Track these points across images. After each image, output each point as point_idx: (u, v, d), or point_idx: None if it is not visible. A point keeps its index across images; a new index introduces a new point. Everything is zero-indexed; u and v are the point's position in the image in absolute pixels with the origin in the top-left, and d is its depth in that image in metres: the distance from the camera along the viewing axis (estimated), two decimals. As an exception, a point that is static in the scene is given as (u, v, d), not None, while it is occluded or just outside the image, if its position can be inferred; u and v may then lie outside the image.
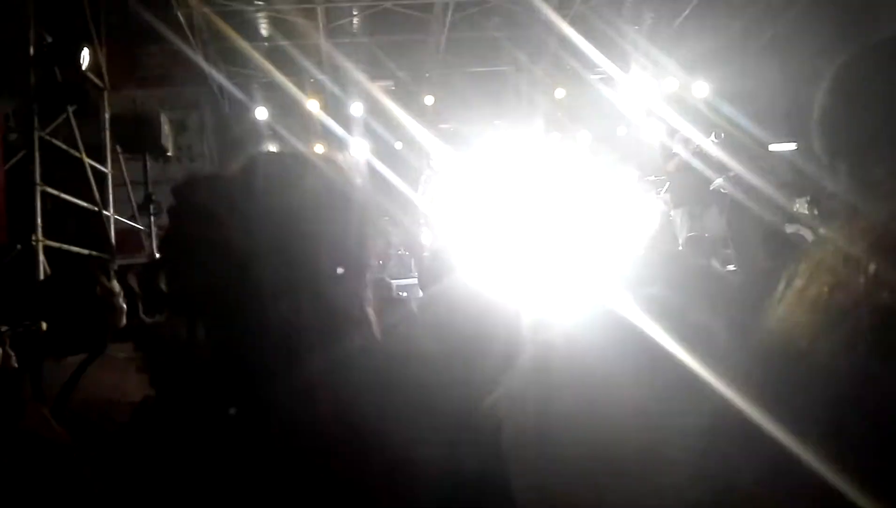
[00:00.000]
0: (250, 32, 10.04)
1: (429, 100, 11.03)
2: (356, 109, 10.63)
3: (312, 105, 10.55)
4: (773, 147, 8.97)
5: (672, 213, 7.14)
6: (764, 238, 4.39)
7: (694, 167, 6.83)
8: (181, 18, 8.95)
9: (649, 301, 0.81)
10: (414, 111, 11.50)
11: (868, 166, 1.03)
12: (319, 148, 10.05)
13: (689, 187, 6.86)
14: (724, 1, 10.21)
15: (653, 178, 8.81)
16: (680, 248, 6.23)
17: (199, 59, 9.70)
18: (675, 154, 7.09)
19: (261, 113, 10.60)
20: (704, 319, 0.76)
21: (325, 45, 10.53)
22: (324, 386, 0.90)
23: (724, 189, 6.82)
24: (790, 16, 9.94)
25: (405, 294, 4.91)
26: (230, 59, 10.34)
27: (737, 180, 7.10)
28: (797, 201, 8.97)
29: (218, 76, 10.28)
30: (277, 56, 10.03)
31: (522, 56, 10.52)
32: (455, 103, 11.39)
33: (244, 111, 10.65)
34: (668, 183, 7.59)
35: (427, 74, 11.10)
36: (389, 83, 11.07)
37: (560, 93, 10.74)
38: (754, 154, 7.53)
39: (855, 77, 1.09)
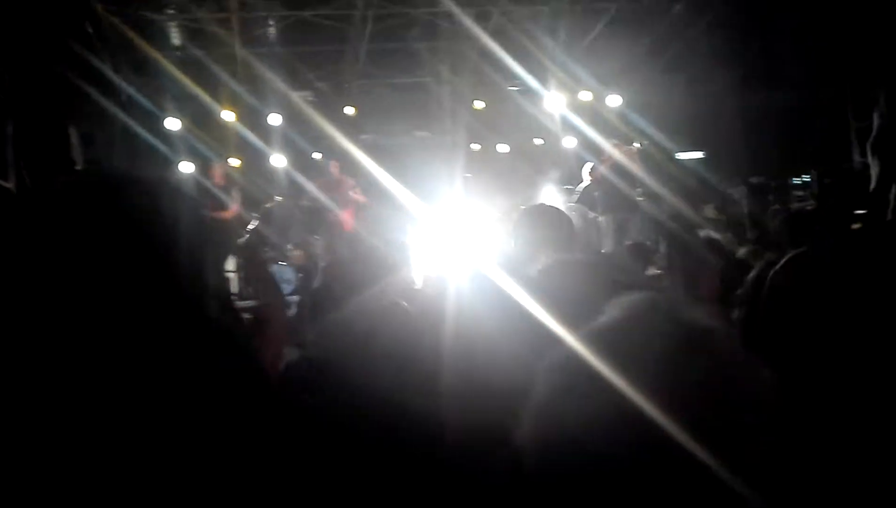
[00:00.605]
0: (162, 42, 9.73)
1: (349, 110, 10.99)
2: (274, 119, 10.47)
3: (227, 116, 10.31)
4: (680, 156, 9.44)
5: (600, 219, 7.35)
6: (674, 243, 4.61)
7: (621, 175, 7.06)
8: (88, 28, 8.57)
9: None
10: (334, 122, 11.45)
11: None
12: (234, 161, 9.87)
13: (616, 195, 7.07)
14: (632, 19, 10.69)
15: (569, 187, 9.11)
16: (602, 253, 6.42)
17: (107, 70, 9.31)
18: (601, 162, 7.28)
19: (172, 124, 10.26)
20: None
21: (240, 54, 10.34)
22: None
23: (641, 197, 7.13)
24: (691, 34, 10.52)
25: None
26: (141, 69, 9.98)
27: (649, 189, 7.44)
28: (704, 207, 9.52)
29: (127, 87, 9.89)
30: (191, 66, 9.76)
31: (443, 68, 10.64)
32: (376, 114, 11.42)
33: (155, 123, 10.29)
34: (582, 191, 7.81)
35: (346, 85, 11.07)
36: (308, 94, 10.96)
37: (479, 104, 10.94)
38: (663, 165, 7.89)
39: None
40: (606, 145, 7.34)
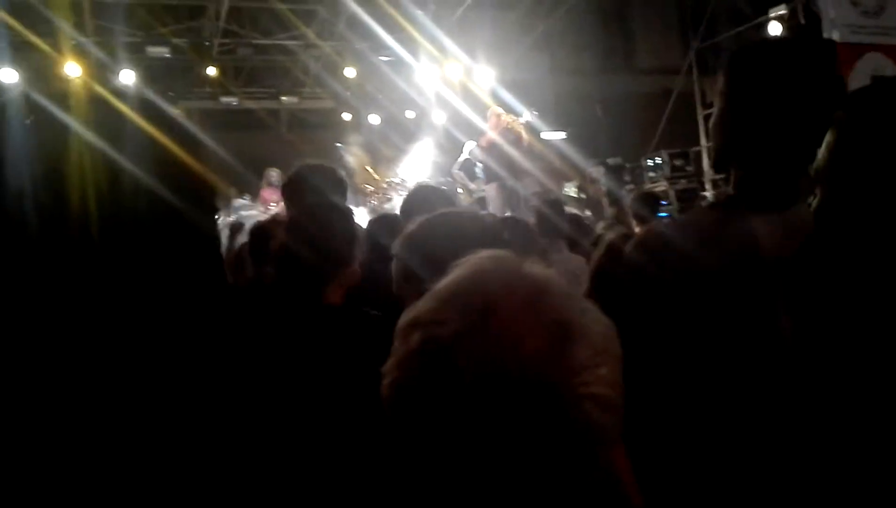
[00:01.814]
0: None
1: (211, 71, 10.38)
2: (126, 76, 9.70)
3: (72, 68, 9.41)
4: (545, 135, 9.71)
5: (485, 188, 7.38)
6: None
7: (504, 143, 7.11)
8: None
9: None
10: (194, 82, 10.79)
11: None
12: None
13: (504, 165, 7.09)
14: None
15: (438, 161, 9.15)
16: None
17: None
18: (492, 128, 7.26)
19: (8, 75, 9.24)
20: None
21: (86, 4, 9.45)
22: None
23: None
24: (558, 14, 10.83)
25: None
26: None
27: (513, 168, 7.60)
28: (566, 185, 9.92)
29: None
30: (29, 14, 8.80)
31: (310, 32, 10.28)
32: (240, 76, 10.88)
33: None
34: (462, 163, 7.84)
35: (207, 44, 10.43)
36: (165, 49, 10.22)
37: (350, 72, 10.70)
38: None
39: None
40: (494, 114, 7.34)
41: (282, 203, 3.62)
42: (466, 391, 0.63)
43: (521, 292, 0.69)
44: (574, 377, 0.65)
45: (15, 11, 8.55)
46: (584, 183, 9.43)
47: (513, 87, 9.47)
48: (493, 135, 7.18)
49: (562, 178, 9.59)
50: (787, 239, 1.14)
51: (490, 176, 7.22)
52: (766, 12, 9.32)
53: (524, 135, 7.32)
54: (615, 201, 7.49)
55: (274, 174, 7.80)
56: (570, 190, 9.50)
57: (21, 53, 9.04)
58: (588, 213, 7.71)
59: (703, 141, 10.54)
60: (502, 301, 0.67)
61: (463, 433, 0.64)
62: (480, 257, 0.74)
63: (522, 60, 11.12)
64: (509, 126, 7.22)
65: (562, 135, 9.80)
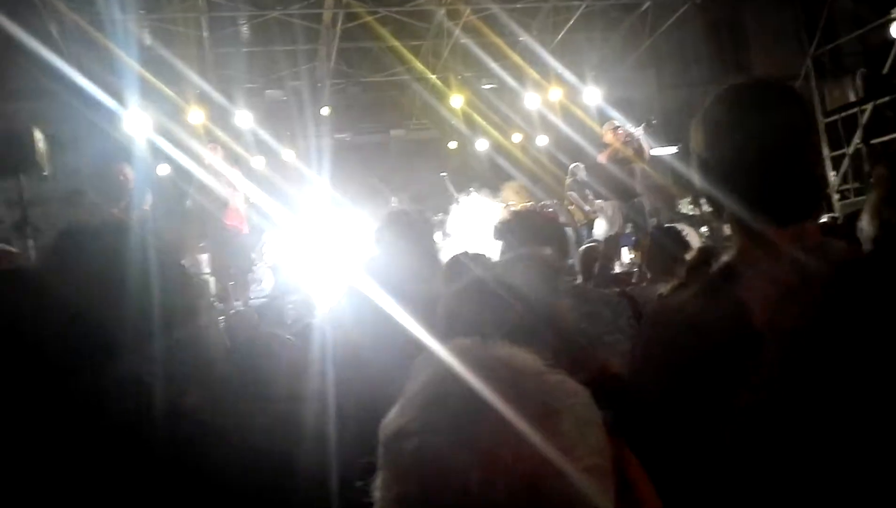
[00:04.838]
0: (129, 41, 9.52)
1: (325, 111, 10.88)
2: (243, 118, 10.30)
3: (196, 115, 10.13)
4: (655, 151, 9.47)
5: (602, 204, 7.25)
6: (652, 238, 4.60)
7: (624, 159, 6.96)
8: (51, 28, 8.37)
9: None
10: (308, 122, 11.34)
11: None
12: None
13: (622, 178, 6.93)
14: (601, 15, 10.73)
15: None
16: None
17: (73, 71, 9.10)
18: (609, 144, 7.12)
19: (140, 124, 10.03)
20: None
21: (209, 54, 10.17)
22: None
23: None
24: (663, 28, 10.58)
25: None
26: (107, 69, 9.76)
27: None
28: (679, 202, 9.59)
29: (93, 87, 9.67)
30: (158, 65, 9.58)
31: (419, 65, 10.58)
32: (352, 113, 11.34)
33: (121, 123, 10.07)
34: (571, 183, 7.70)
35: (319, 85, 10.95)
36: (281, 92, 10.83)
37: (457, 101, 10.88)
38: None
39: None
40: (610, 128, 7.21)
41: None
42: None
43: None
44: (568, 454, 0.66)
45: (146, 63, 9.34)
46: (698, 199, 9.07)
47: (619, 105, 9.32)
48: (610, 149, 7.05)
49: (674, 194, 9.30)
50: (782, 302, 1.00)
51: (609, 192, 7.07)
52: (887, 13, 8.78)
53: (644, 147, 7.16)
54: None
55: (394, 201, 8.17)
56: (685, 207, 9.17)
57: (150, 101, 9.82)
58: (704, 229, 7.41)
59: (825, 150, 9.92)
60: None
61: None
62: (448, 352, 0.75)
63: (628, 78, 10.94)
64: (628, 139, 7.08)
65: (673, 150, 9.50)
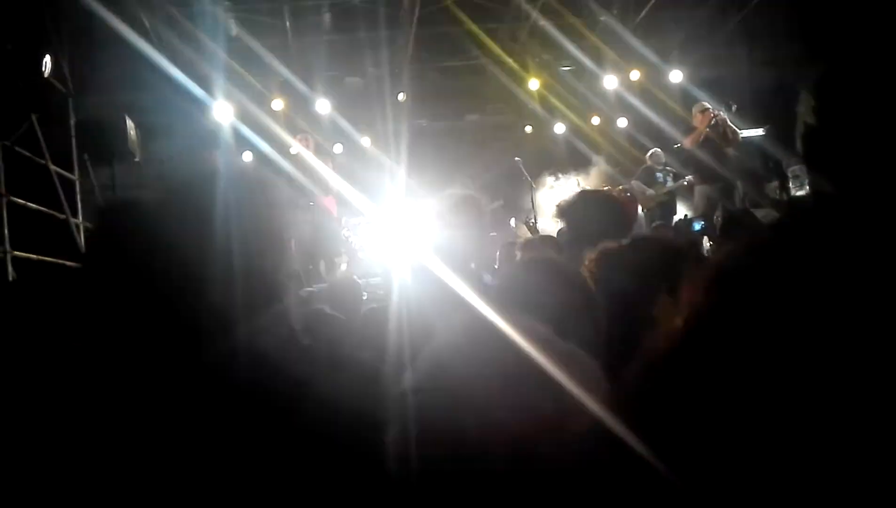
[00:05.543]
0: (217, 31, 9.87)
1: (401, 97, 10.96)
2: (322, 105, 10.50)
3: (276, 104, 10.43)
4: (744, 133, 9.07)
5: (696, 188, 7.10)
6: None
7: (713, 140, 6.79)
8: (144, 20, 8.78)
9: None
10: (386, 108, 11.46)
11: None
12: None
13: (712, 161, 6.77)
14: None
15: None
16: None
17: (164, 61, 9.51)
18: (693, 127, 6.96)
19: (224, 113, 10.38)
20: None
21: (292, 43, 10.41)
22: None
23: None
24: (754, 2, 10.05)
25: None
26: (196, 59, 10.17)
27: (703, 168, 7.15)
28: (767, 185, 9.12)
29: (183, 77, 10.08)
30: (243, 55, 9.90)
31: (496, 49, 10.49)
32: (428, 99, 11.36)
33: (208, 112, 10.46)
34: (642, 171, 7.53)
35: (397, 70, 11.03)
36: (359, 80, 10.98)
37: (534, 84, 10.72)
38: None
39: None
40: (700, 110, 7.02)
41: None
42: None
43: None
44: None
45: (232, 52, 9.68)
46: (785, 182, 8.61)
47: (707, 84, 8.97)
48: (695, 133, 6.85)
49: (763, 179, 8.86)
50: None
51: (700, 176, 6.89)
52: None
53: (734, 128, 6.94)
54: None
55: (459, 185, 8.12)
56: (771, 191, 8.73)
57: (235, 89, 10.16)
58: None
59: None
60: None
61: None
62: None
63: (717, 56, 10.47)
64: (717, 121, 6.86)
65: (759, 132, 9.05)
